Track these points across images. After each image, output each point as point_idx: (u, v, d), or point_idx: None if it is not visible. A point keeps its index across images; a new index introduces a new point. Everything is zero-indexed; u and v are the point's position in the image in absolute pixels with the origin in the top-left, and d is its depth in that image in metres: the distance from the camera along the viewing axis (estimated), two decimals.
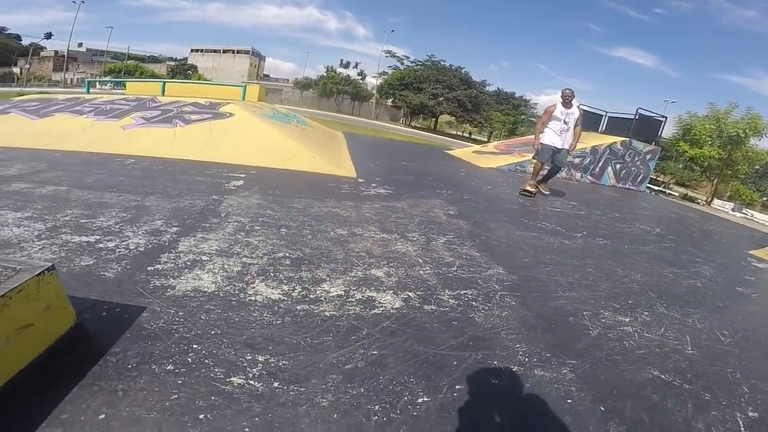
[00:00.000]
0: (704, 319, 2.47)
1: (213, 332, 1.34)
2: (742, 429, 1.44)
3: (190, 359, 1.20)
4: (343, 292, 1.80)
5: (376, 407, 1.17)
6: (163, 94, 7.36)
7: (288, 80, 63.40)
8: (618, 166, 10.11)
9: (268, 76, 69.10)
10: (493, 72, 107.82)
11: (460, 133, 48.37)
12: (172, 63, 62.67)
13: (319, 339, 1.42)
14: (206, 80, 49.70)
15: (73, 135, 5.04)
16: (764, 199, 21.49)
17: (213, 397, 1.08)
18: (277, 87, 53.57)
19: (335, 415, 1.10)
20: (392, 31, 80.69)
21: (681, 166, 17.13)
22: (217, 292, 1.60)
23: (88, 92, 7.79)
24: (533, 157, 5.63)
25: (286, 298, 1.64)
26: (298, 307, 1.60)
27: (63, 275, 1.54)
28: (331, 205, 3.19)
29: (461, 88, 38.86)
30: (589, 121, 12.45)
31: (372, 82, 47.32)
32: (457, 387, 1.35)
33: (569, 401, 1.42)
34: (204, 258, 1.90)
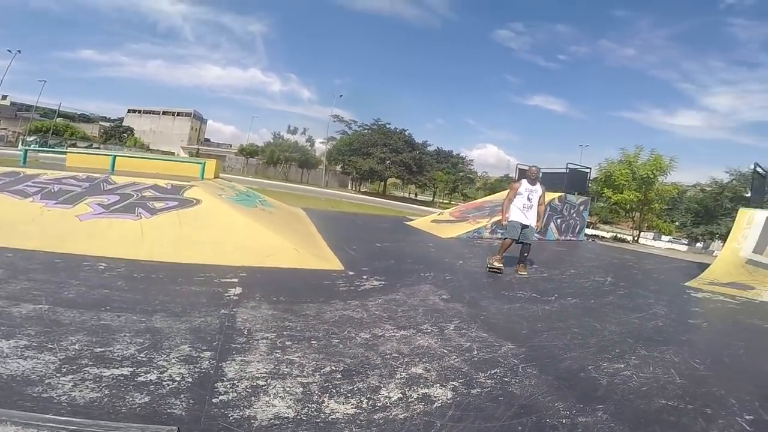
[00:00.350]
0: (677, 353, 3.06)
1: None
2: (747, 428, 2.01)
3: None
4: (401, 395, 2.06)
5: None
6: (113, 171, 6.99)
7: (231, 145, 62.44)
8: (558, 220, 11.46)
9: (209, 140, 68.12)
10: (429, 130, 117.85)
11: (407, 195, 51.06)
12: (106, 124, 59.39)
13: None
14: (143, 144, 47.87)
15: (21, 226, 4.68)
16: (676, 224, 24.94)
17: None
18: (220, 153, 52.46)
19: None
20: (341, 96, 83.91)
21: (607, 209, 19.76)
22: (299, 416, 1.78)
23: (24, 163, 7.13)
24: (501, 233, 6.12)
25: (361, 411, 1.87)
26: (376, 417, 1.83)
27: (130, 418, 1.64)
28: (340, 308, 3.45)
29: (406, 150, 41.81)
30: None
31: (321, 147, 48.50)
32: None
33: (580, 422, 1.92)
34: (261, 383, 2.06)
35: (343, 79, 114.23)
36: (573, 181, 12.46)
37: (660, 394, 2.34)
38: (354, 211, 15.48)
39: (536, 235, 11.03)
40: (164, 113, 62.81)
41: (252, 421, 1.72)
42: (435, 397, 2.07)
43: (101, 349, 2.24)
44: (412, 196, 50.96)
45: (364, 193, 43.83)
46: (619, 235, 18.05)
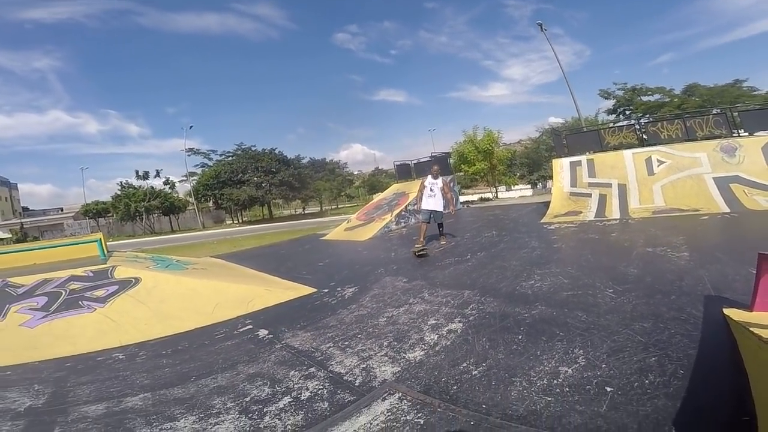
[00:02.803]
0: (557, 267, 5.12)
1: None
2: (613, 295, 3.85)
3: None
4: (437, 335, 3.48)
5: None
6: None
7: (62, 209, 51.05)
8: None
9: (27, 209, 54.62)
10: (292, 140, 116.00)
11: (294, 212, 50.46)
12: None
13: (479, 339, 3.07)
14: None
15: None
16: (517, 176, 31.66)
17: None
18: (54, 221, 42.76)
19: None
20: (191, 127, 70.70)
21: (468, 179, 24.32)
22: (404, 367, 3.01)
23: None
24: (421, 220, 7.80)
25: (426, 350, 3.21)
26: (437, 349, 3.21)
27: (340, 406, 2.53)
28: (347, 313, 4.55)
29: (282, 169, 41.05)
30: (403, 172, 16.67)
31: (183, 187, 43.69)
32: (525, 324, 3.24)
33: (554, 313, 3.60)
34: (363, 365, 3.13)
35: (177, 107, 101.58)
36: (440, 165, 15.25)
37: (561, 290, 4.22)
38: (262, 243, 15.60)
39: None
40: None
41: (386, 381, 2.84)
42: (455, 329, 3.54)
43: (248, 398, 2.85)
44: (300, 211, 50.94)
45: (248, 222, 42.03)
46: (482, 196, 22.41)
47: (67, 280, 6.00)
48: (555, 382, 2.53)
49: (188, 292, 5.96)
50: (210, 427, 2.58)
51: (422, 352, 3.20)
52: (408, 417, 2.15)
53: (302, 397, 2.81)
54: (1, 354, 4.39)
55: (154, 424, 2.69)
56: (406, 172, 16.55)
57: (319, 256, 9.32)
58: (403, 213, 12.08)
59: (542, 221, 8.97)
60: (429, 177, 7.68)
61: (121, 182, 40.53)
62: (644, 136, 10.57)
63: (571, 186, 10.32)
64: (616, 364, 2.61)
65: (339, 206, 49.20)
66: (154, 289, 5.89)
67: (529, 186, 34.05)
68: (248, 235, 25.11)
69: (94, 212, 39.91)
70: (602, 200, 9.31)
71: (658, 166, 9.38)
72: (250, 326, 4.63)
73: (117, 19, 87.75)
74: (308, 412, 2.61)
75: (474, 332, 3.43)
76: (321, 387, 2.92)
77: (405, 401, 2.32)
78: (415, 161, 16.59)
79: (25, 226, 41.38)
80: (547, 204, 10.60)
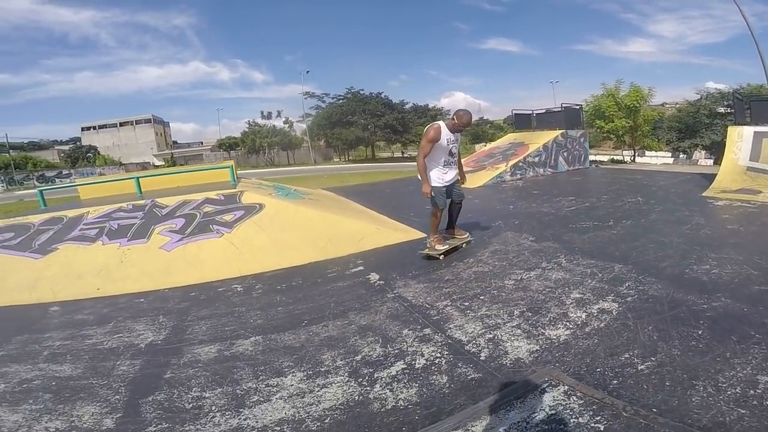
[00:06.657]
0: (738, 254, 3.86)
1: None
2: None
3: None
4: (586, 313, 2.89)
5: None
6: (140, 193, 7.07)
7: (201, 143, 61.93)
8: (565, 153, 12.33)
9: (177, 142, 66.63)
10: (395, 87, 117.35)
11: (393, 154, 51.15)
12: (64, 147, 56.46)
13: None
14: (113, 161, 46.42)
15: (118, 271, 4.86)
16: (661, 140, 26.71)
17: None
18: (195, 153, 52.40)
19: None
20: (307, 72, 75.29)
21: (600, 137, 21.18)
22: (541, 348, 2.58)
23: (45, 205, 7.33)
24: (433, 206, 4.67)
25: (572, 330, 2.70)
26: (587, 330, 2.66)
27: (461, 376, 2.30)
28: (464, 267, 4.16)
29: (387, 113, 41.75)
30: (522, 122, 14.95)
31: (299, 126, 48.54)
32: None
33: (745, 309, 2.61)
34: (489, 336, 2.79)
35: (294, 55, 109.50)
36: (569, 117, 13.25)
37: (751, 282, 3.16)
38: (368, 180, 15.89)
39: (549, 169, 11.91)
40: (121, 124, 60.33)
41: (520, 360, 2.40)
42: (608, 309, 2.90)
43: (359, 357, 2.61)
44: (398, 155, 51.11)
45: (353, 161, 43.93)
46: (613, 158, 19.35)
47: (202, 202, 6.25)
48: (752, 392, 1.93)
49: (305, 222, 5.99)
50: (317, 389, 2.33)
51: (567, 332, 2.68)
52: (580, 419, 1.70)
53: (417, 365, 2.46)
54: (142, 279, 4.72)
55: (261, 378, 2.50)
56: (525, 122, 14.80)
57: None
58: (520, 164, 11.02)
59: (704, 194, 7.16)
60: (444, 130, 4.31)
61: (248, 121, 47.56)
62: None
63: (750, 160, 8.00)
64: None
65: None
66: (275, 217, 5.97)
67: (670, 154, 28.42)
68: (354, 172, 26.10)
69: (226, 146, 47.29)
70: None
71: None
72: (362, 267, 4.49)
73: None
74: (423, 386, 2.25)
75: (635, 317, 2.75)
76: (438, 355, 2.57)
77: (574, 398, 1.85)
78: (540, 111, 14.66)
79: (174, 156, 50.12)
80: (706, 176, 8.48)
